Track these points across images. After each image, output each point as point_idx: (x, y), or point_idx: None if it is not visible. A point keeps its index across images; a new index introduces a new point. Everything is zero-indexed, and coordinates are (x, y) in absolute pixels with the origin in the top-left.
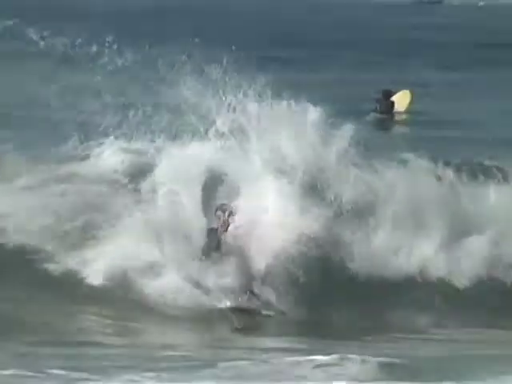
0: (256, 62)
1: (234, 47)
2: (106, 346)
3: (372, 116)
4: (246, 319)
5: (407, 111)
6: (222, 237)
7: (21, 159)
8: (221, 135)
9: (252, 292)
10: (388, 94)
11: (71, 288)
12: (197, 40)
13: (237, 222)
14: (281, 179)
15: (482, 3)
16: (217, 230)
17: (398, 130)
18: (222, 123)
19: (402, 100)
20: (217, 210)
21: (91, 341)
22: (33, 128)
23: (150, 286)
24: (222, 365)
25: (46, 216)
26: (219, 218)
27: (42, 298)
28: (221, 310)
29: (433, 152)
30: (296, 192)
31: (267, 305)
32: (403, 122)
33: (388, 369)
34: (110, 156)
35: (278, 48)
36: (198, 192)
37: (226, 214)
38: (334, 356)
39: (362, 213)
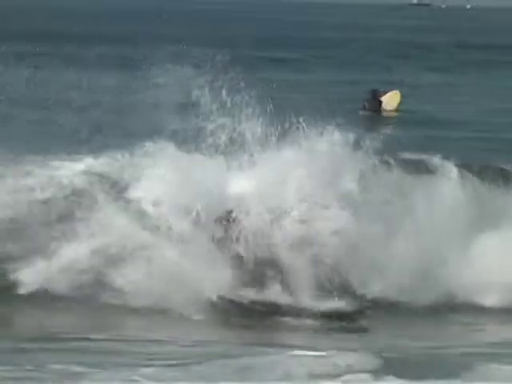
0: (249, 62)
1: (227, 48)
2: (105, 341)
3: (360, 114)
4: (245, 314)
5: (396, 111)
6: (227, 243)
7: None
8: (218, 147)
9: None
10: (376, 93)
11: (64, 283)
12: (188, 41)
13: (243, 227)
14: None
15: (469, 6)
16: (222, 238)
17: (389, 129)
18: (219, 133)
19: (391, 100)
20: (220, 219)
21: (88, 336)
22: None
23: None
24: (220, 362)
25: (25, 213)
26: (223, 227)
27: (33, 293)
28: (220, 305)
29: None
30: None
31: (267, 300)
32: (392, 121)
33: (386, 363)
34: (92, 162)
35: (272, 49)
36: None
37: (229, 221)
38: (332, 351)
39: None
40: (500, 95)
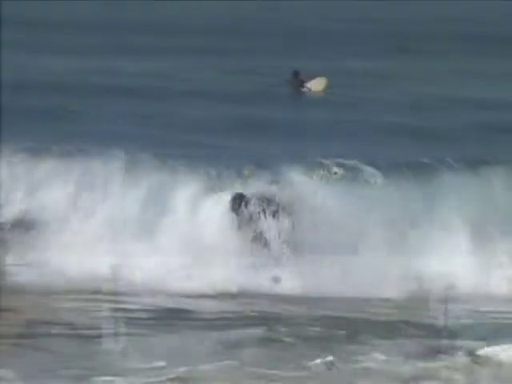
0: (181, 51)
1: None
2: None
3: (282, 94)
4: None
5: (322, 92)
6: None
7: None
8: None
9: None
10: (297, 74)
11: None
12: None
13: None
14: None
15: None
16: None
17: (314, 110)
18: None
19: (317, 86)
20: (234, 200)
21: None
22: None
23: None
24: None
25: None
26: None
27: None
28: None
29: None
30: None
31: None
32: (317, 103)
33: None
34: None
35: (204, 37)
36: None
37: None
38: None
39: None
40: (427, 81)
